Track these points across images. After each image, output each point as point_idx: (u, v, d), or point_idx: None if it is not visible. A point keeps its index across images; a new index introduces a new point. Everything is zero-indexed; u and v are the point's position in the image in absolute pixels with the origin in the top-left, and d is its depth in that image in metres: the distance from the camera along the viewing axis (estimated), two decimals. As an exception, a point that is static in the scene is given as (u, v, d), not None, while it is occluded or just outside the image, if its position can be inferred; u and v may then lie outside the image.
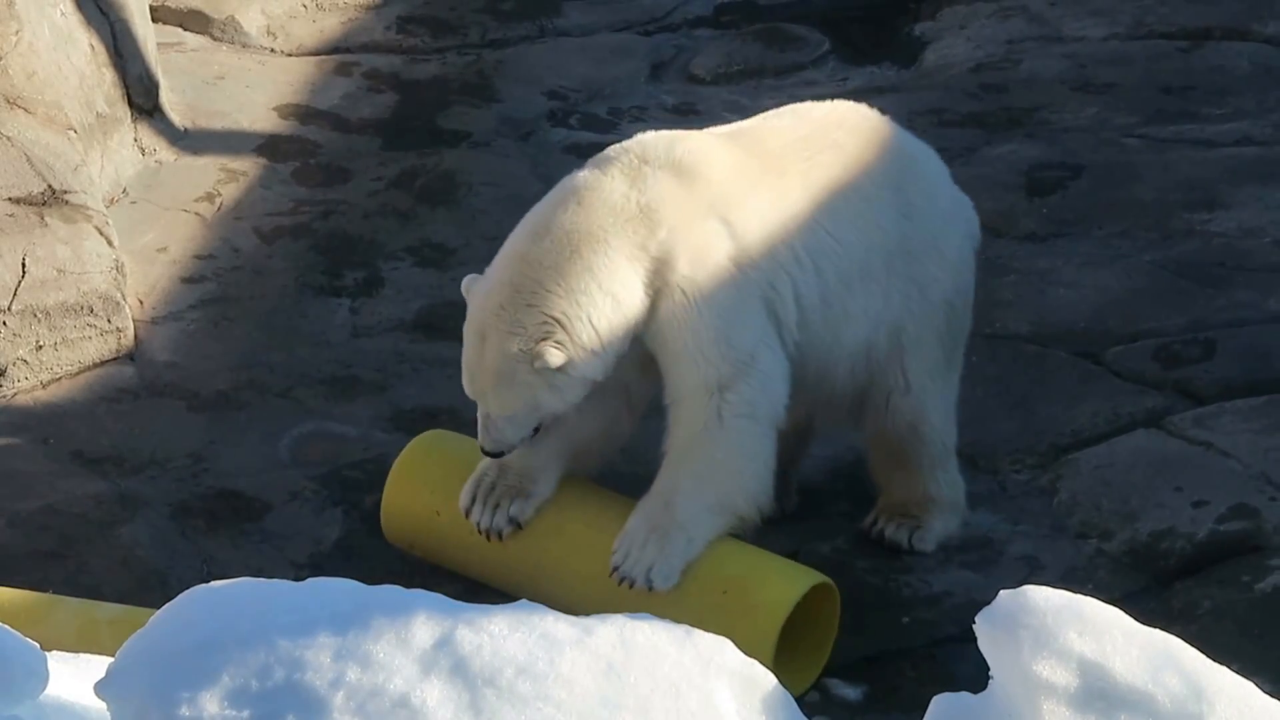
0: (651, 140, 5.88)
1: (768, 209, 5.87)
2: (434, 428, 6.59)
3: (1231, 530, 6.23)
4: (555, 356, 5.64)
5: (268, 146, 8.33)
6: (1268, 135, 8.33)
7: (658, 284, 5.74)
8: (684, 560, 5.79)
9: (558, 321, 5.65)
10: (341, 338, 7.26)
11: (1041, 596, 3.85)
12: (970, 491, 6.40)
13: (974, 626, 3.90)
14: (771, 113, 6.21)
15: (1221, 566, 6.13)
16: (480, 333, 5.73)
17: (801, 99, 6.37)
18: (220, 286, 7.47)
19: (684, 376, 5.81)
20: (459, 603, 3.98)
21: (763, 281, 5.85)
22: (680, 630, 3.99)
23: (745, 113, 6.37)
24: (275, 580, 4.11)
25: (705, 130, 6.09)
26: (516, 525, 5.97)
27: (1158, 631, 3.86)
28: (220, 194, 7.97)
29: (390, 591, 4.02)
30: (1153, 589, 6.13)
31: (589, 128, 8.62)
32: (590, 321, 5.68)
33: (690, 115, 8.67)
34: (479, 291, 5.78)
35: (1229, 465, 6.47)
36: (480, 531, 5.97)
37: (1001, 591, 3.89)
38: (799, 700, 4.25)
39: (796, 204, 5.92)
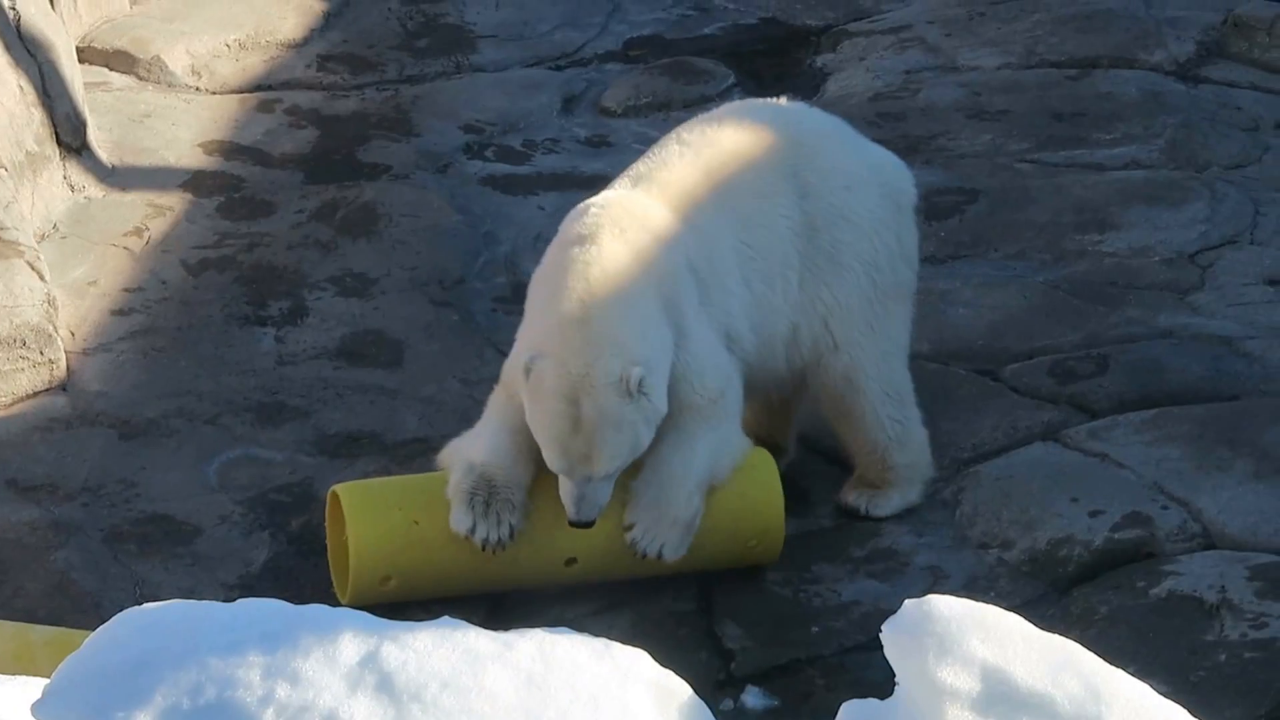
0: (615, 206, 6.08)
1: (706, 247, 6.15)
2: (357, 451, 6.68)
3: (1126, 538, 6.30)
4: (654, 389, 5.88)
5: (193, 182, 8.32)
6: (1155, 159, 8.42)
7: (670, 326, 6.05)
8: (689, 535, 6.09)
9: (641, 363, 5.86)
10: (267, 365, 7.27)
11: (945, 605, 3.88)
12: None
13: (880, 635, 3.93)
14: (659, 144, 6.41)
15: (1117, 573, 6.20)
16: (571, 399, 5.84)
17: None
18: (149, 318, 7.46)
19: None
20: (384, 620, 3.99)
21: (720, 314, 6.15)
22: (599, 643, 4.01)
23: (654, 144, 6.46)
24: (206, 601, 4.10)
25: (622, 185, 6.26)
26: (511, 535, 6.04)
27: (1056, 636, 3.89)
28: (148, 228, 7.97)
29: (317, 610, 4.02)
30: (1051, 596, 6.19)
31: (504, 160, 8.66)
32: (659, 358, 5.94)
33: (602, 146, 8.73)
34: (549, 367, 5.88)
35: (1123, 475, 6.54)
36: (485, 547, 6.01)
37: (906, 601, 3.92)
38: (713, 709, 4.25)
39: (720, 232, 6.19)
